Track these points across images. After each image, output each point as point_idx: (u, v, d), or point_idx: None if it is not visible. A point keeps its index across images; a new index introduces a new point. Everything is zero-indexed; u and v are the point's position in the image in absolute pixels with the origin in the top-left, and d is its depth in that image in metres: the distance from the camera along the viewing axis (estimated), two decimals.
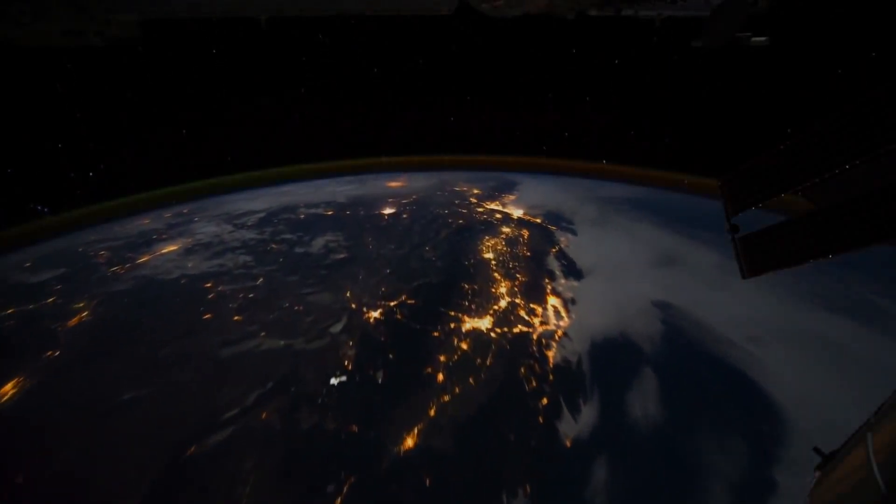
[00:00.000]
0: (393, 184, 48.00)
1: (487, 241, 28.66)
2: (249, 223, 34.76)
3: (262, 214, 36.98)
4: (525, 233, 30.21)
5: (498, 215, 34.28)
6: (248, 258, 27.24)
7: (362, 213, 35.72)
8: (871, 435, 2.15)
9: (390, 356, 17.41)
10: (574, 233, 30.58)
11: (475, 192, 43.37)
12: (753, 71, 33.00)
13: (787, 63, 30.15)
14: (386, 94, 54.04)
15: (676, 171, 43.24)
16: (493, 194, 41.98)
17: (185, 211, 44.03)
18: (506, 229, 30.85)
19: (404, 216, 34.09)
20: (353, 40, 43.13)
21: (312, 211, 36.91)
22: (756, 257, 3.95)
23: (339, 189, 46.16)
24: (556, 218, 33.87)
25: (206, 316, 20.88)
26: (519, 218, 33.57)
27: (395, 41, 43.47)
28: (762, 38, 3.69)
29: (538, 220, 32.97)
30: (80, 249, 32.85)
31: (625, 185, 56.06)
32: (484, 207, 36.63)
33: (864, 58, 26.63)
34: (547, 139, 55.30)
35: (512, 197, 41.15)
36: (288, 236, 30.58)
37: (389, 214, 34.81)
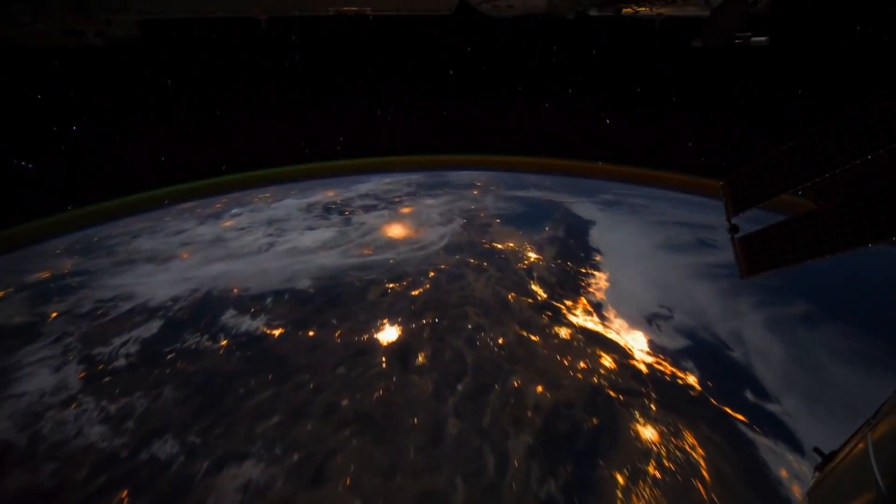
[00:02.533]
0: (392, 231, 30.36)
1: None
2: (119, 363, 17.83)
3: (153, 329, 19.95)
4: (706, 464, 13.53)
5: (606, 359, 17.34)
6: None
7: (338, 336, 18.74)
8: (871, 435, 2.12)
9: None
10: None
11: (531, 257, 26.04)
12: (753, 71, 32.59)
13: (787, 63, 30.02)
14: (385, 93, 51.60)
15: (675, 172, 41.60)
16: (566, 268, 24.72)
17: (67, 270, 27.57)
18: (651, 436, 14.15)
19: (419, 360, 17.19)
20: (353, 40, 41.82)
21: (245, 324, 19.81)
22: (756, 257, 3.96)
23: (309, 243, 28.60)
24: (730, 374, 17.05)
25: None
26: (660, 378, 16.59)
27: (395, 41, 42.49)
28: (762, 38, 3.50)
29: (712, 400, 15.98)
30: None
31: (709, 201, 39.14)
32: (568, 323, 19.62)
33: (864, 59, 25.62)
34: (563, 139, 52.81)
35: (601, 277, 23.96)
36: (168, 450, 13.81)
37: (388, 349, 17.85)
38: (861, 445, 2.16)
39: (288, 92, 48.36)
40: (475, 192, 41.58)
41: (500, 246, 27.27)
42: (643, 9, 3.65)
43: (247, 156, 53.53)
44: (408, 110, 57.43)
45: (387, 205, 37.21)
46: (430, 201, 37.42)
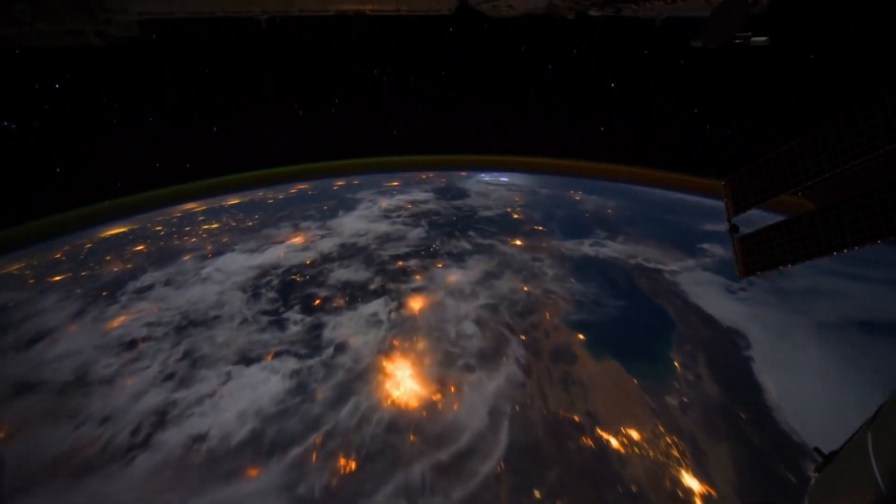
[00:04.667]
0: (395, 379, 16.19)
1: None
2: None
3: None
4: None
5: None
6: None
7: None
8: (871, 435, 2.12)
9: None
10: None
11: None
12: (753, 71, 32.53)
13: (788, 63, 30.08)
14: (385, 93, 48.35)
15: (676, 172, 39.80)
16: None
17: None
18: None
19: None
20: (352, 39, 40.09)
21: None
22: (755, 257, 3.98)
23: (232, 423, 14.52)
24: None
25: None
26: None
27: (395, 41, 41.09)
28: (762, 38, 3.42)
29: None
30: None
31: None
32: None
33: (863, 59, 25.22)
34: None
35: None
36: None
37: None
38: (861, 445, 2.13)
39: (274, 91, 45.42)
40: (520, 244, 27.16)
41: (614, 442, 13.44)
42: (646, 4, 3.55)
43: (223, 158, 48.97)
44: (410, 107, 52.68)
45: (384, 279, 22.93)
46: (454, 274, 23.12)
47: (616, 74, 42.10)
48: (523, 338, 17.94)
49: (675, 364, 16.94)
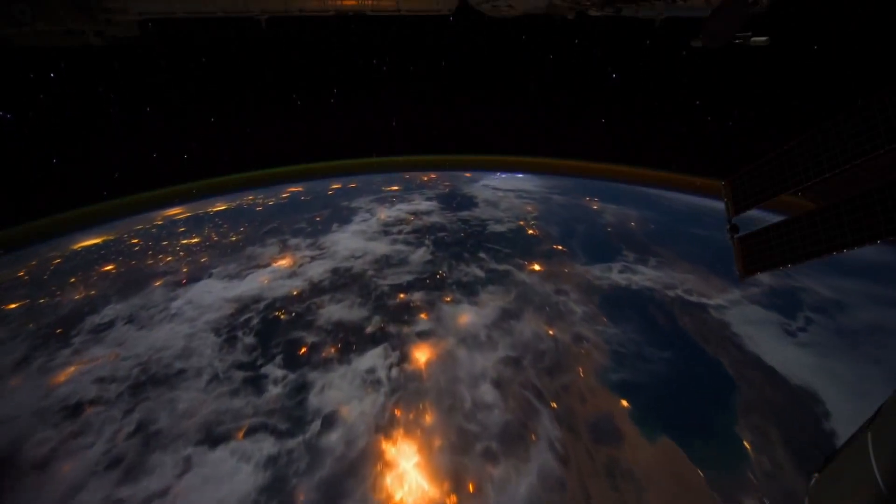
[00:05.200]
0: (395, 480, 12.79)
1: None
2: None
3: None
4: None
5: None
6: None
7: None
8: (871, 435, 2.09)
9: None
10: None
11: None
12: (753, 71, 32.19)
13: (788, 63, 29.86)
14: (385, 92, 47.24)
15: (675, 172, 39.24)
16: None
17: None
18: None
19: None
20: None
21: None
22: (754, 257, 3.89)
23: None
24: None
25: None
26: None
27: (395, 41, 41.11)
28: (762, 38, 3.40)
29: None
30: None
31: None
32: None
33: (863, 59, 24.66)
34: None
35: None
36: None
37: None
38: (861, 445, 2.10)
39: (273, 91, 44.52)
40: (539, 270, 23.72)
41: None
42: (646, 4, 3.51)
43: (220, 159, 47.73)
44: (410, 106, 50.28)
45: (383, 318, 19.51)
46: (466, 312, 19.70)
47: (619, 74, 41.53)
48: (554, 405, 14.61)
49: (746, 445, 13.64)
